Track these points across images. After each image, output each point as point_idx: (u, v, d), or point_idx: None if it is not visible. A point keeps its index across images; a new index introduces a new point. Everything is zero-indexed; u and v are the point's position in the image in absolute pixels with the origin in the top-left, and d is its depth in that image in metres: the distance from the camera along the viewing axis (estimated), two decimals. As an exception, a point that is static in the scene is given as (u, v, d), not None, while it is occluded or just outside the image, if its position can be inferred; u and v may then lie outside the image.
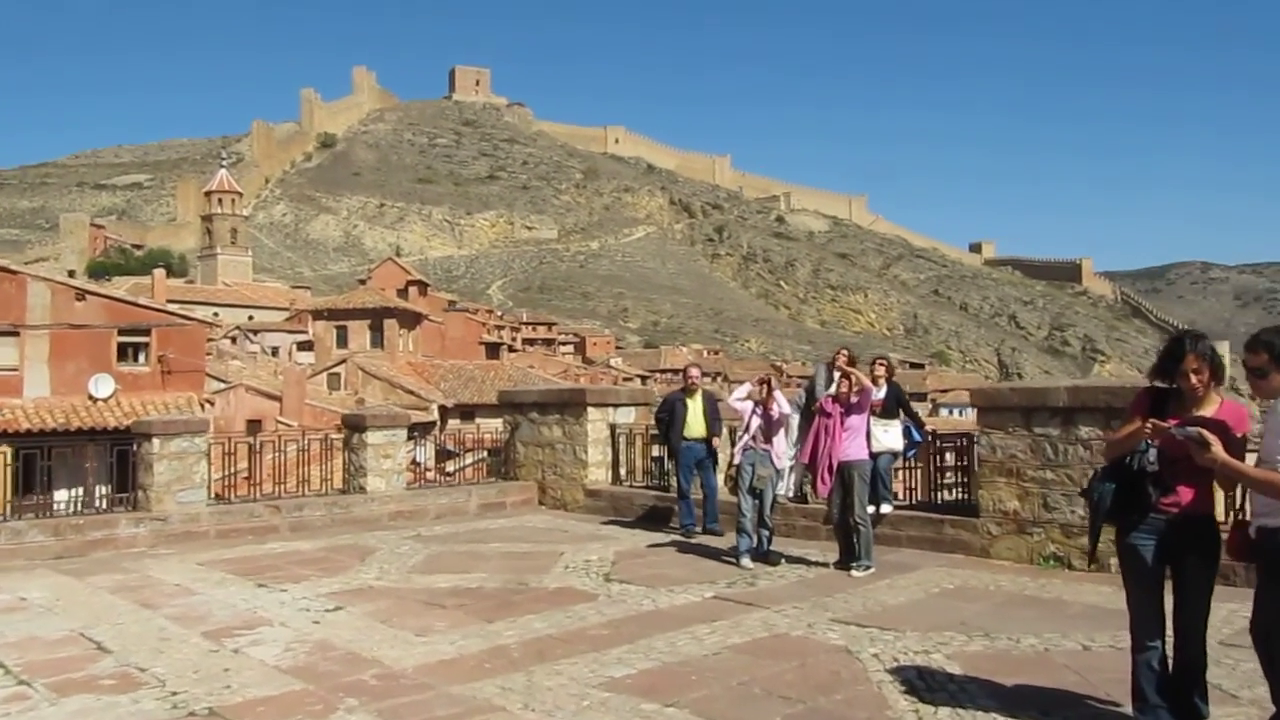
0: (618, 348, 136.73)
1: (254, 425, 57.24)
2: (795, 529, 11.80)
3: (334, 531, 12.52)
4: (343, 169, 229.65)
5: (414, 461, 15.85)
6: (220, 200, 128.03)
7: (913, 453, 11.29)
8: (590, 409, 14.30)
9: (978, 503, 10.37)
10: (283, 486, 13.28)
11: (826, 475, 9.60)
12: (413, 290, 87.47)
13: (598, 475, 14.44)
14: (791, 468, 11.69)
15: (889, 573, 9.65)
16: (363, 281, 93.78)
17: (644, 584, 9.24)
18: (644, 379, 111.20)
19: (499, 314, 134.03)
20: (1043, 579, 9.33)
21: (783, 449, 10.33)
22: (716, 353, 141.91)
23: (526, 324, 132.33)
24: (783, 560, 10.27)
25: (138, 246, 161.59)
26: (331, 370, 70.02)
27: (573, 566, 10.16)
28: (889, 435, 10.72)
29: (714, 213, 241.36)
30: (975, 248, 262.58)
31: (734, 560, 10.21)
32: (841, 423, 9.64)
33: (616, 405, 14.58)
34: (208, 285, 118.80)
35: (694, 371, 12.64)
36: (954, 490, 11.12)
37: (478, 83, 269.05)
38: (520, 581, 9.37)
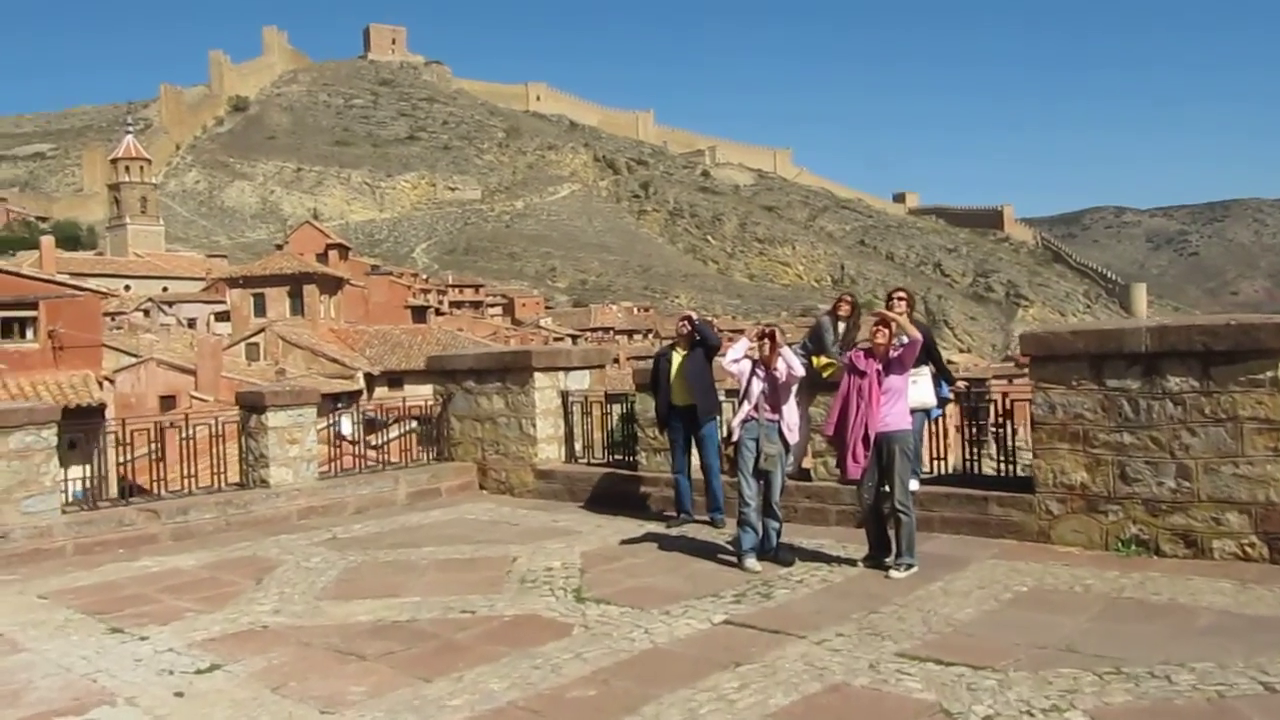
0: (547, 308, 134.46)
1: (167, 401, 54.01)
2: (797, 512, 9.69)
3: (228, 538, 10.14)
4: (257, 133, 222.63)
5: (339, 435, 13.46)
6: (128, 168, 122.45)
7: (939, 412, 9.22)
8: (537, 374, 12.03)
9: (1032, 475, 8.34)
10: (163, 483, 10.83)
11: (860, 451, 7.48)
12: (333, 254, 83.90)
13: (549, 452, 12.21)
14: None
15: (934, 570, 7.59)
16: (280, 246, 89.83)
17: (629, 603, 7.06)
18: (574, 338, 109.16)
19: (424, 277, 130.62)
20: (1134, 572, 7.32)
21: (794, 419, 8.19)
22: (646, 309, 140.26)
23: (453, 286, 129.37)
24: (796, 559, 8.17)
25: (43, 219, 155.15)
26: (250, 340, 66.70)
27: (532, 579, 7.94)
28: (919, 389, 8.57)
29: (639, 169, 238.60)
30: (899, 198, 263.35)
31: (735, 561, 8.09)
32: (879, 383, 7.53)
33: (568, 369, 12.32)
34: (118, 257, 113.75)
35: (684, 322, 10.21)
36: (995, 460, 9.07)
37: (394, 41, 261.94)
38: (465, 608, 7.13)
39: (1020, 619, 6.38)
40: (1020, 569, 7.54)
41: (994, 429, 9.19)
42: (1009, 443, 9.00)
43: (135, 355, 59.58)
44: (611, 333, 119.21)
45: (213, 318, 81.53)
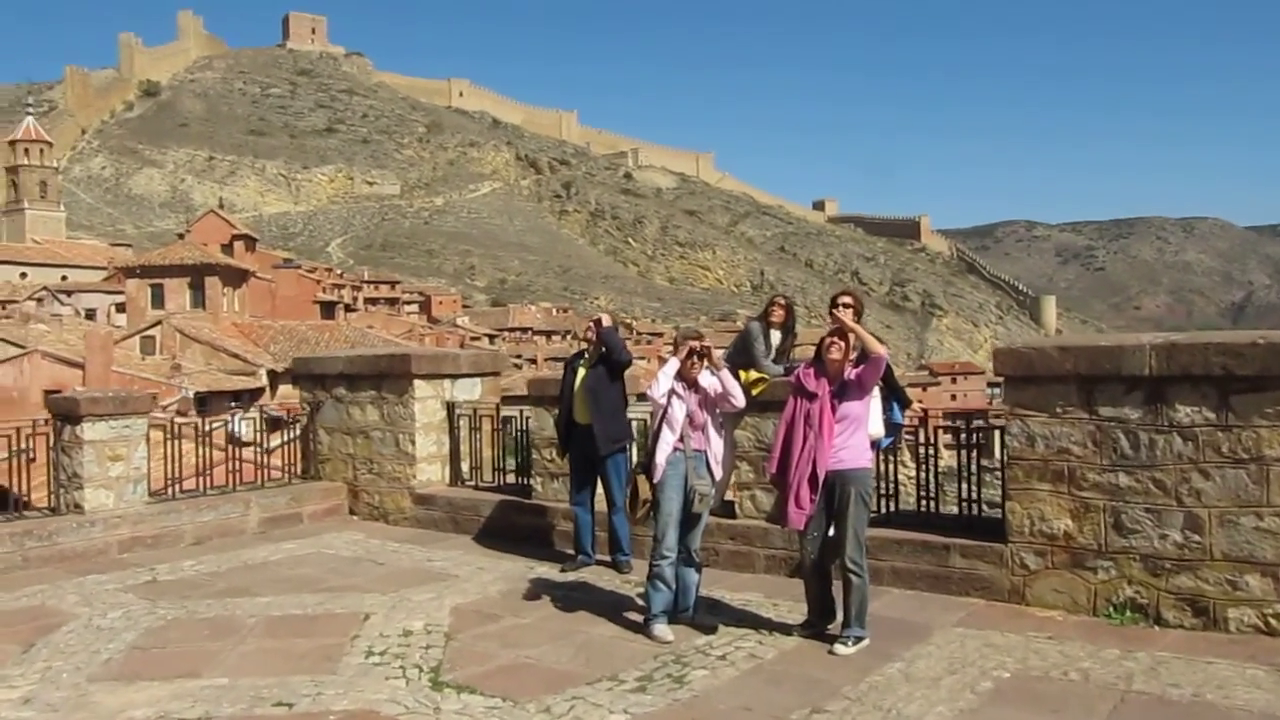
0: (465, 306, 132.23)
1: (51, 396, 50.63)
2: (719, 556, 8.10)
3: (19, 579, 8.21)
4: (168, 119, 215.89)
5: (232, 437, 11.57)
6: (26, 150, 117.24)
7: (889, 441, 7.68)
8: (418, 382, 10.26)
9: (1006, 519, 6.84)
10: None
11: (805, 493, 5.90)
12: (239, 245, 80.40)
13: (430, 473, 10.45)
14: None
15: (889, 642, 6.04)
16: (181, 236, 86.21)
17: (500, 690, 5.39)
18: (492, 338, 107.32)
19: (339, 273, 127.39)
20: (1137, 650, 5.84)
21: (719, 449, 6.59)
22: (565, 310, 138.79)
23: (369, 283, 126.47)
24: (719, 623, 6.57)
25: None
26: (145, 333, 63.46)
27: (380, 650, 6.21)
28: (870, 417, 7.01)
29: (561, 169, 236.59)
30: (819, 205, 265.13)
31: (642, 624, 6.45)
32: (832, 409, 5.96)
33: (455, 376, 10.57)
34: (14, 243, 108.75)
35: (600, 321, 8.36)
36: (958, 499, 7.53)
37: (313, 30, 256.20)
38: (283, 698, 5.37)
39: (1010, 725, 4.85)
40: (996, 643, 6.03)
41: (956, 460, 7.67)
42: (969, 477, 7.48)
43: (22, 347, 56.25)
44: (530, 333, 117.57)
45: (114, 309, 77.89)
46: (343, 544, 9.58)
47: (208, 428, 10.86)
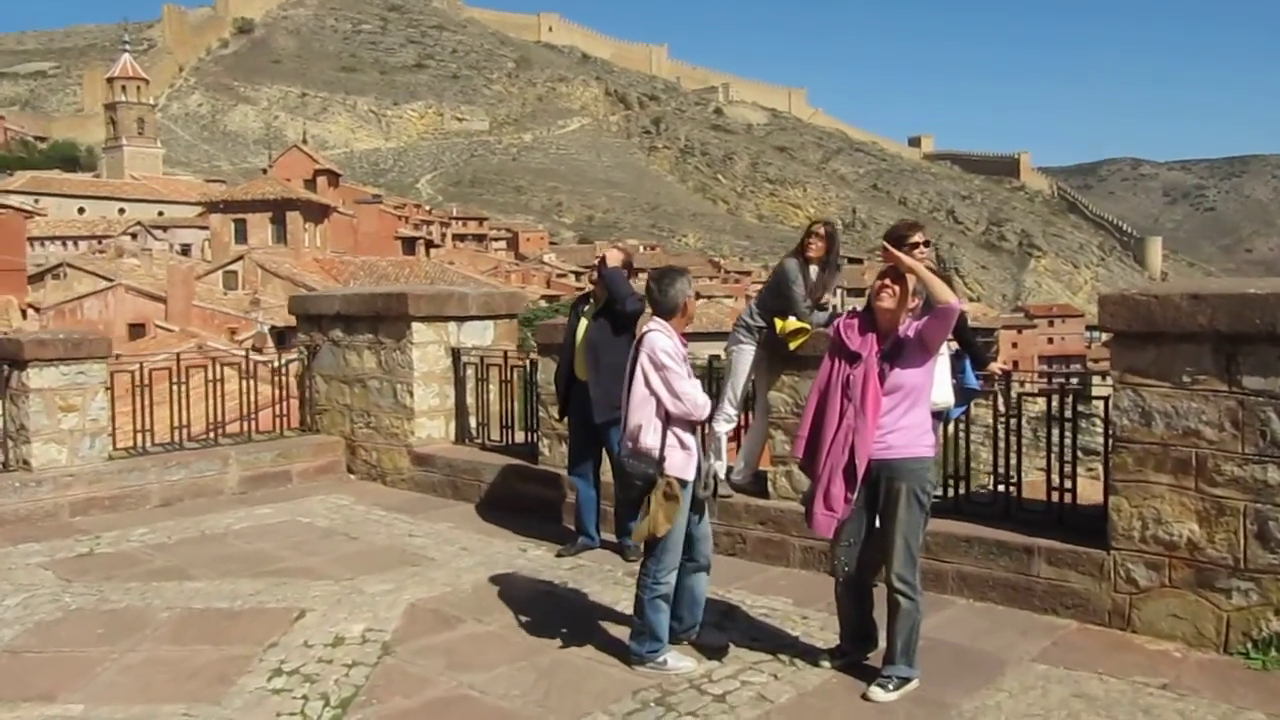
0: (552, 243, 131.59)
1: (135, 330, 51.26)
2: (746, 544, 6.65)
3: (-64, 549, 7.13)
4: (262, 56, 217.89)
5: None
6: (124, 88, 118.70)
7: (960, 411, 6.09)
8: (416, 325, 8.89)
9: (1109, 518, 5.24)
10: None
11: (839, 488, 4.40)
12: (321, 181, 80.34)
13: (432, 429, 9.12)
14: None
15: (947, 684, 4.56)
16: (265, 170, 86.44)
17: (411, 746, 4.05)
18: (578, 275, 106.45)
19: (428, 209, 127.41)
20: (1291, 710, 4.29)
21: (695, 401, 4.98)
22: (654, 248, 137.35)
23: (457, 219, 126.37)
24: (729, 642, 5.13)
25: (41, 139, 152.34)
26: (228, 268, 63.71)
27: (293, 667, 4.90)
28: (936, 381, 5.44)
29: (650, 104, 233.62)
30: (914, 142, 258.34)
31: (634, 647, 4.99)
32: (881, 377, 4.43)
33: (462, 319, 9.19)
34: (113, 179, 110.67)
35: (604, 260, 6.77)
36: (1046, 484, 5.93)
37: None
38: (124, 746, 4.11)
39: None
40: (1091, 693, 4.48)
41: (1047, 435, 6.04)
42: (1062, 455, 5.86)
43: (109, 279, 56.77)
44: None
45: (206, 244, 78.59)
46: (324, 510, 8.33)
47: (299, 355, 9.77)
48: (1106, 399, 5.35)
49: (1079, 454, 5.90)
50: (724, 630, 5.34)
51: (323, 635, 5.35)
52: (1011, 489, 5.99)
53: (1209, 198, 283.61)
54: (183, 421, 9.07)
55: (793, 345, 6.29)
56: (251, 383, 9.41)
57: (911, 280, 4.48)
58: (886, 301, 4.48)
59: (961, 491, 6.25)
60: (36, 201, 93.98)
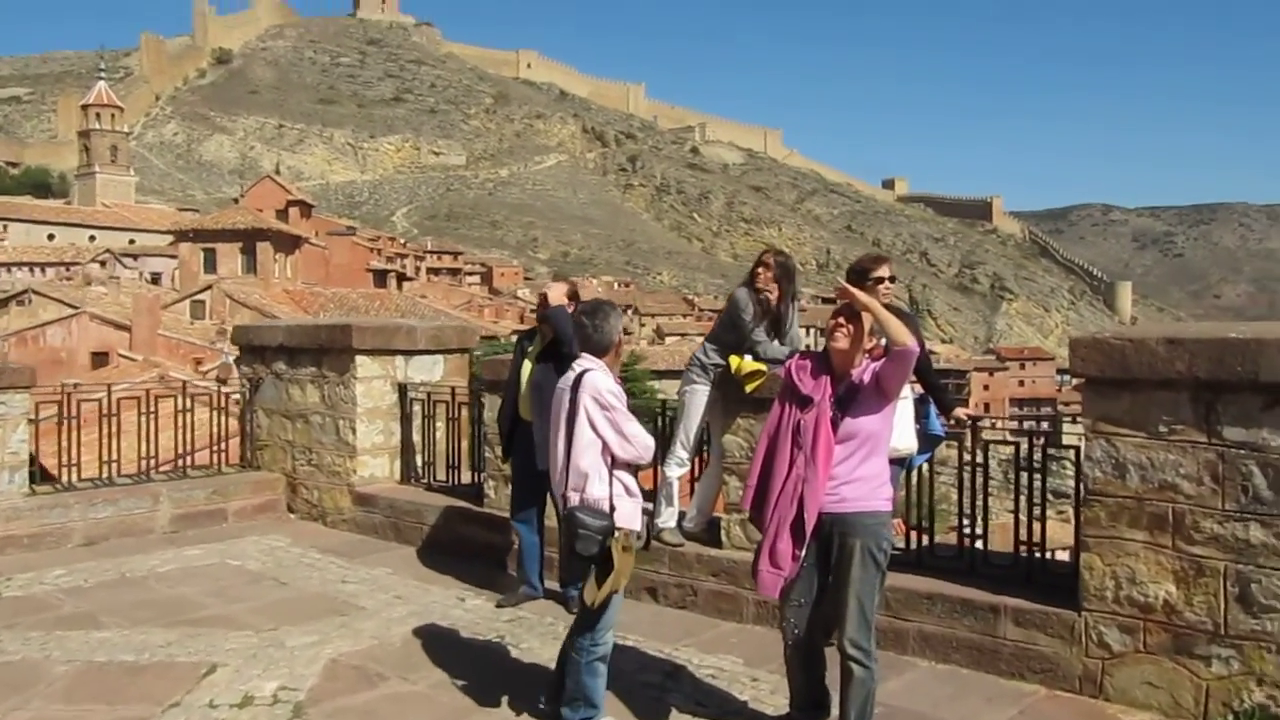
0: (526, 278, 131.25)
1: (99, 358, 50.44)
2: (698, 596, 6.26)
3: None
4: (239, 87, 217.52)
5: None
6: (99, 115, 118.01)
7: (924, 458, 5.75)
8: (360, 358, 8.50)
9: (1081, 577, 4.89)
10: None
11: (787, 545, 4.04)
12: (294, 211, 79.81)
13: (376, 468, 8.71)
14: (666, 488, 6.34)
15: (904, 757, 4.19)
16: (236, 200, 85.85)
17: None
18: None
19: (403, 242, 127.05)
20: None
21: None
22: (628, 284, 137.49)
23: (431, 253, 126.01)
24: (672, 709, 4.73)
25: (13, 164, 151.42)
26: (195, 298, 63.01)
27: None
28: (898, 426, 5.10)
29: (627, 142, 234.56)
30: (889, 184, 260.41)
31: (572, 718, 4.57)
32: (834, 425, 4.08)
33: (409, 353, 8.80)
34: (85, 206, 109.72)
35: (551, 293, 6.42)
36: (1014, 536, 5.57)
37: (384, 0, 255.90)
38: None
39: None
40: (1060, 767, 4.13)
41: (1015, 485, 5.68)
42: (1030, 506, 5.51)
43: (74, 307, 56.00)
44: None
45: (177, 273, 77.83)
46: (257, 552, 7.88)
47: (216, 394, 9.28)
48: (1078, 448, 5.02)
49: (1049, 496, 5.55)
50: (667, 692, 4.95)
51: (231, 694, 4.92)
52: (978, 542, 5.64)
53: (1178, 244, 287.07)
54: (111, 455, 8.61)
55: (749, 387, 5.94)
56: (188, 416, 8.97)
57: (868, 319, 4.13)
58: (840, 342, 4.13)
59: (925, 543, 5.89)
60: (5, 228, 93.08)
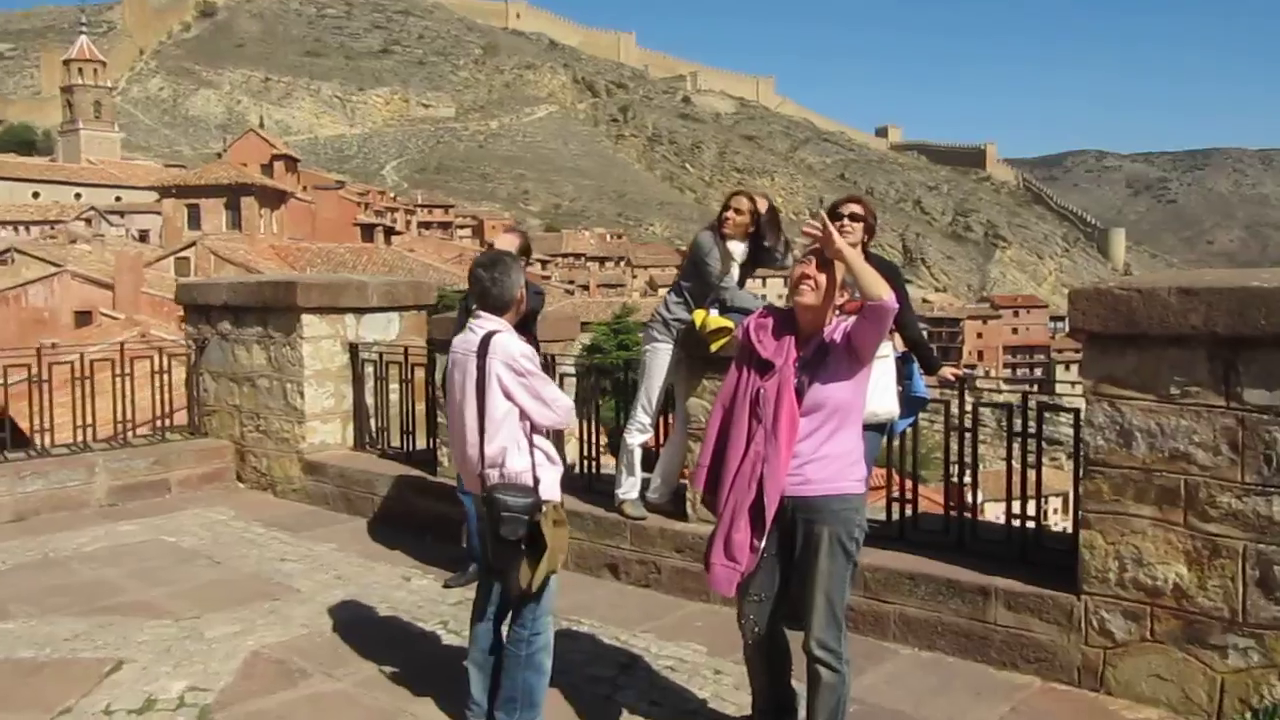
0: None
1: (82, 317, 49.82)
2: (661, 574, 5.75)
3: None
4: (224, 40, 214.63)
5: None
6: (81, 70, 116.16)
7: (907, 423, 5.21)
8: (307, 317, 7.93)
9: (1080, 557, 4.36)
10: None
11: (744, 533, 3.49)
12: (279, 166, 78.78)
13: (326, 434, 8.16)
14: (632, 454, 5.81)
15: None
16: (219, 155, 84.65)
17: None
18: (544, 263, 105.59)
19: (393, 196, 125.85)
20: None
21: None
22: (620, 236, 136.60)
23: (422, 206, 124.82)
24: (622, 710, 4.23)
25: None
26: (179, 254, 62.18)
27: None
28: (878, 388, 4.54)
29: (618, 92, 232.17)
30: (882, 132, 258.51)
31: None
32: (799, 394, 3.52)
33: (361, 310, 8.23)
34: (69, 163, 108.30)
35: (498, 242, 5.59)
36: (1005, 509, 5.04)
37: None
38: None
39: None
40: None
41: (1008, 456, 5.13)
42: (1025, 475, 4.98)
43: (57, 265, 55.29)
44: (583, 259, 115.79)
45: (164, 230, 76.92)
46: (196, 527, 7.35)
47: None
48: (1077, 412, 4.47)
49: (1043, 444, 4.99)
50: (619, 689, 4.44)
51: (132, 697, 4.40)
52: (965, 515, 5.10)
53: (1171, 190, 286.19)
54: (44, 425, 8.06)
55: (714, 346, 5.37)
56: (127, 380, 8.41)
57: (840, 269, 3.54)
58: (807, 296, 3.55)
59: (908, 515, 5.36)
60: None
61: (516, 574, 3.85)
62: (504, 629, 4.08)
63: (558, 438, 6.72)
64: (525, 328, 5.59)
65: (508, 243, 5.68)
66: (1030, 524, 4.92)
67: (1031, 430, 4.85)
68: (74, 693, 4.45)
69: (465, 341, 3.99)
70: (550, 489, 3.92)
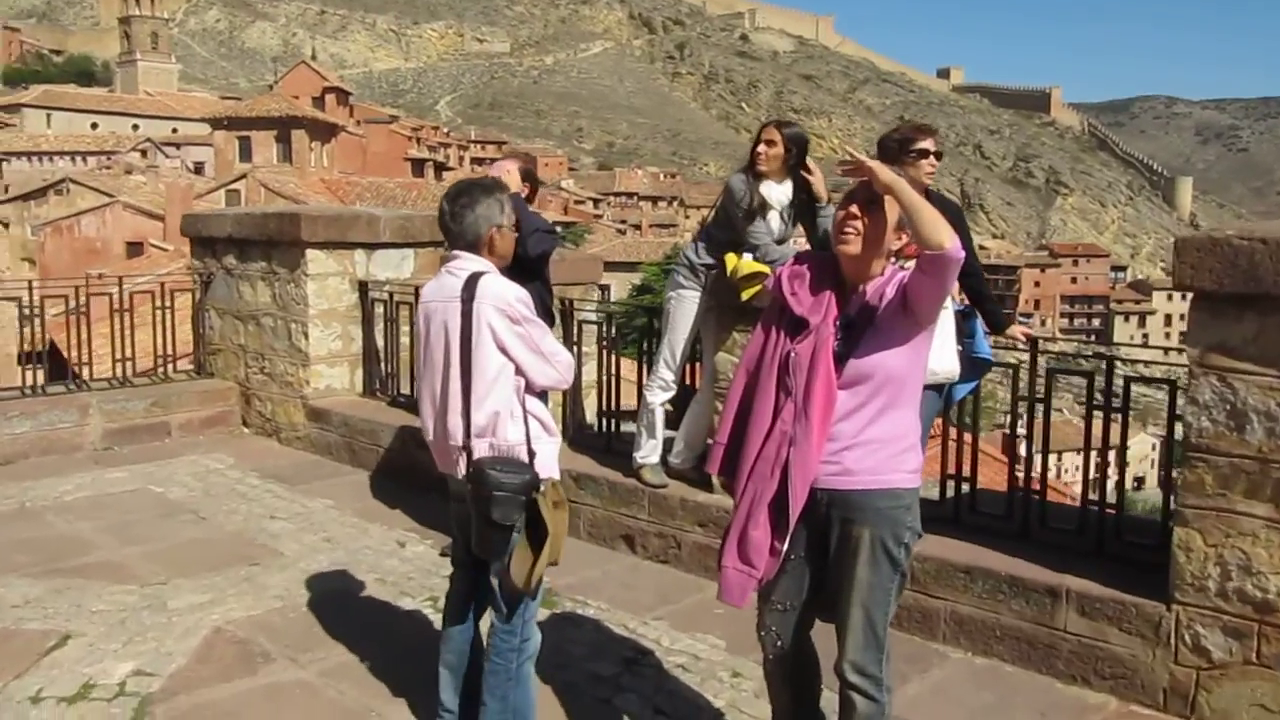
0: (570, 169, 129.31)
1: (134, 248, 50.05)
2: (681, 550, 5.12)
3: None
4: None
5: None
6: (139, 1, 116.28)
7: (968, 389, 4.51)
8: (312, 252, 7.33)
9: (1173, 558, 3.65)
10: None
11: (762, 534, 2.84)
12: (330, 99, 78.36)
13: (332, 379, 7.59)
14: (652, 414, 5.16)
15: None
16: (271, 87, 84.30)
17: None
18: (596, 202, 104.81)
19: (446, 131, 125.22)
20: None
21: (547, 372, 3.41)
22: (674, 175, 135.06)
23: (475, 142, 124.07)
24: (624, 718, 3.63)
25: (57, 52, 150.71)
26: (230, 186, 62.22)
27: (-13, 744, 3.46)
28: (936, 343, 3.81)
29: (675, 29, 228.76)
30: (943, 73, 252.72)
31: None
32: (838, 362, 2.82)
33: (371, 246, 7.61)
34: (128, 95, 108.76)
35: (502, 174, 4.96)
36: (1081, 493, 4.33)
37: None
38: None
39: None
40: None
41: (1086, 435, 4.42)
42: (1105, 456, 4.26)
43: (110, 196, 55.54)
44: (636, 198, 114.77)
45: (217, 163, 77.03)
46: (189, 475, 6.84)
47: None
48: (1173, 383, 3.74)
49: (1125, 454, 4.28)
50: (620, 691, 3.83)
51: (69, 680, 3.87)
52: (1033, 499, 4.40)
53: (1243, 138, 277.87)
54: (125, 354, 7.68)
55: (746, 294, 4.68)
56: (127, 316, 7.89)
57: (893, 209, 2.81)
58: (851, 243, 2.82)
59: (964, 491, 4.65)
60: (48, 117, 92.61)
61: (509, 567, 3.22)
62: (483, 626, 3.48)
63: (574, 391, 6.12)
64: (535, 273, 4.95)
65: (510, 175, 5.01)
66: (1110, 511, 4.21)
67: (1116, 404, 4.11)
68: (6, 673, 3.92)
69: (442, 287, 3.33)
70: (548, 465, 3.29)
